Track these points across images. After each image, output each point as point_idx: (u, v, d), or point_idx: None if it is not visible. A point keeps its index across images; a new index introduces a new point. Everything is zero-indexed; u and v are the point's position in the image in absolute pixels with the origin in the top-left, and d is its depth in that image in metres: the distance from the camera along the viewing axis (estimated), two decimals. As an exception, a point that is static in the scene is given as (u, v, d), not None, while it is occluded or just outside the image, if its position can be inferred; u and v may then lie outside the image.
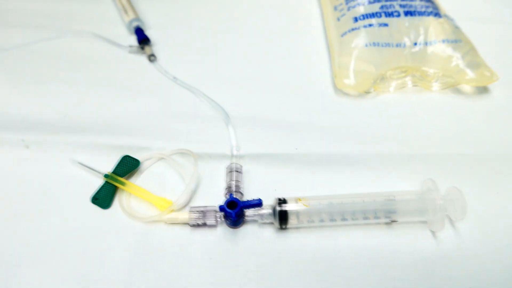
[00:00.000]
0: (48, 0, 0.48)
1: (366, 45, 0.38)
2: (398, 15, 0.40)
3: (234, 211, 0.25)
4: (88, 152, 0.31)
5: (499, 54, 0.40)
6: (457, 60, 0.37)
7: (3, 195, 0.29)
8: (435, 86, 0.38)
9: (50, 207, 0.28)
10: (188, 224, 0.27)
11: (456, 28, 0.40)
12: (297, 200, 0.27)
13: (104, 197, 0.28)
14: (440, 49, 0.38)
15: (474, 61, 0.38)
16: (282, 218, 0.26)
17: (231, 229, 0.27)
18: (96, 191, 0.28)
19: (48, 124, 0.33)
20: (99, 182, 0.29)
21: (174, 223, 0.27)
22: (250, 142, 0.32)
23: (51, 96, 0.36)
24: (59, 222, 0.27)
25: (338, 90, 0.38)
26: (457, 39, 0.39)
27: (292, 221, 0.26)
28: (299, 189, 0.29)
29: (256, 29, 0.45)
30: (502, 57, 0.41)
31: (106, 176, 0.29)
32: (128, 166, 0.30)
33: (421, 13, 0.40)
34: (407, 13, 0.40)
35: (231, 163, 0.30)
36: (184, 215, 0.27)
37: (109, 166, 0.30)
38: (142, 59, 0.41)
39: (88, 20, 0.45)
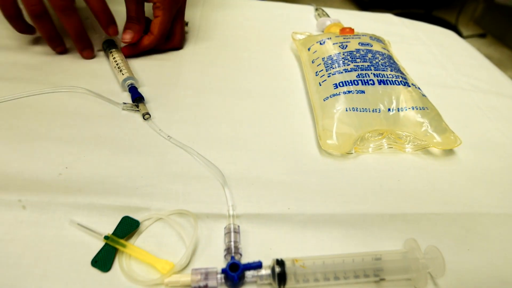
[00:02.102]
0: (40, 54, 0.49)
1: (346, 110, 0.42)
2: (373, 84, 0.45)
3: (236, 274, 0.27)
4: (86, 213, 0.31)
5: (458, 117, 0.46)
6: (426, 125, 0.42)
7: (0, 258, 0.28)
8: (408, 147, 0.42)
9: (48, 271, 0.28)
10: (189, 286, 0.28)
11: (423, 96, 0.45)
12: (294, 261, 0.29)
13: (104, 260, 0.28)
14: (410, 115, 0.43)
15: (440, 126, 0.43)
16: (281, 279, 0.28)
17: (231, 291, 0.28)
18: (96, 254, 0.29)
19: (44, 183, 0.33)
20: (98, 243, 0.29)
21: (175, 286, 0.28)
22: (245, 201, 0.34)
23: (46, 153, 0.36)
24: (59, 285, 0.27)
25: (322, 150, 0.41)
26: (424, 107, 0.44)
27: (289, 281, 0.28)
28: (293, 248, 0.31)
29: (244, 91, 0.49)
30: (461, 120, 0.47)
31: (106, 238, 0.29)
32: (128, 227, 0.30)
33: (392, 82, 0.45)
34: (380, 82, 0.45)
35: (229, 224, 0.31)
36: (186, 278, 0.27)
37: (108, 226, 0.30)
38: (136, 116, 0.42)
39: (82, 76, 0.47)
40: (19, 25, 0.46)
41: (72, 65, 0.48)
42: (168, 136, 0.40)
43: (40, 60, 0.48)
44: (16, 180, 0.33)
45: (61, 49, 0.49)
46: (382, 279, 0.30)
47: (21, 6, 0.44)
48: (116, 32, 0.47)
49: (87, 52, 0.49)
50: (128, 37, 0.48)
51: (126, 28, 0.48)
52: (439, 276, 0.30)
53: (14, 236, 0.29)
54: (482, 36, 2.27)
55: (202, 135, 0.41)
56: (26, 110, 0.41)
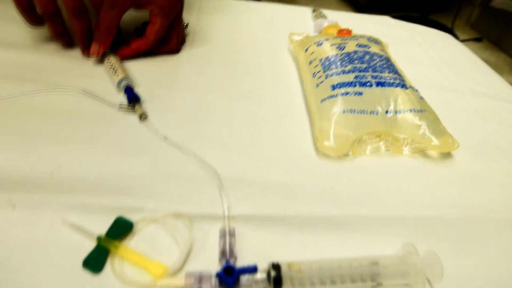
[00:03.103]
0: (33, 53, 0.49)
1: (344, 111, 0.42)
2: (371, 85, 0.44)
3: (231, 278, 0.26)
4: (78, 213, 0.31)
5: (455, 120, 0.46)
6: (423, 128, 0.42)
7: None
8: (406, 150, 0.42)
9: (38, 272, 0.27)
10: (183, 290, 0.27)
11: (421, 99, 0.45)
12: (290, 265, 0.28)
13: (96, 261, 0.28)
14: (408, 117, 0.42)
15: (438, 129, 0.42)
16: (277, 283, 0.27)
17: (225, 295, 0.28)
18: (88, 254, 0.28)
19: (35, 182, 0.32)
20: (90, 244, 0.29)
21: (168, 289, 0.27)
22: (241, 203, 0.33)
23: (38, 152, 0.36)
24: (49, 286, 0.26)
25: (319, 152, 0.40)
26: (422, 109, 0.43)
27: (285, 286, 0.27)
28: (289, 250, 0.31)
29: (242, 91, 0.48)
30: (459, 123, 0.47)
31: (98, 238, 0.29)
32: (121, 228, 0.30)
33: (390, 84, 0.45)
34: (378, 84, 0.45)
35: (224, 226, 0.30)
36: (180, 281, 0.27)
37: (100, 227, 0.30)
38: (132, 117, 0.42)
39: (76, 76, 0.46)
40: (32, 17, 0.46)
41: (67, 65, 0.48)
42: (164, 137, 0.39)
43: (35, 59, 0.48)
44: (5, 179, 0.32)
45: (68, 42, 0.49)
46: (379, 284, 0.29)
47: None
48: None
49: (88, 52, 0.48)
50: (93, 50, 0.47)
51: (93, 39, 0.47)
52: (436, 281, 0.29)
53: (3, 236, 0.29)
54: (478, 40, 2.29)
55: (198, 136, 0.40)
56: (20, 109, 0.40)
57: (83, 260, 0.28)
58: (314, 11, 0.70)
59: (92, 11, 0.46)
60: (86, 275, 0.27)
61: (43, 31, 0.51)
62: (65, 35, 0.48)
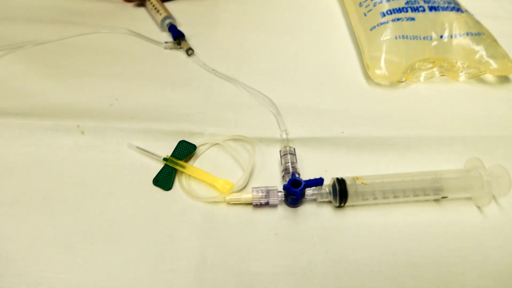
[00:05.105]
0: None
1: (396, 38, 0.40)
2: (424, 10, 0.42)
3: (299, 189, 0.27)
4: (141, 137, 0.32)
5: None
6: (481, 51, 0.40)
7: (66, 180, 0.29)
8: (462, 76, 0.40)
9: (112, 190, 0.29)
10: (250, 204, 0.28)
11: (478, 22, 0.42)
12: (355, 179, 0.28)
13: (165, 179, 0.29)
14: (464, 41, 0.40)
15: (497, 52, 0.40)
16: (342, 196, 0.27)
17: (291, 208, 0.28)
18: (157, 174, 0.29)
19: (98, 112, 0.34)
20: (156, 166, 0.30)
21: (236, 203, 0.28)
22: (297, 127, 0.33)
23: (94, 88, 0.37)
24: (124, 203, 0.28)
25: (370, 80, 0.39)
26: (480, 32, 0.41)
27: (350, 199, 0.28)
28: (348, 170, 0.31)
29: (283, 27, 0.47)
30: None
31: (165, 159, 0.30)
32: (185, 150, 0.30)
33: (444, 8, 0.42)
34: (431, 8, 0.42)
35: (285, 146, 0.31)
36: (248, 195, 0.28)
37: (164, 151, 0.31)
38: (179, 53, 0.42)
39: (120, 18, 0.46)
40: None
41: (111, 9, 0.48)
42: (213, 69, 0.39)
43: (79, 4, 0.48)
44: (72, 110, 0.33)
45: None
46: (444, 197, 0.29)
47: None
48: None
49: None
50: None
51: None
52: (503, 194, 0.29)
53: (76, 159, 0.30)
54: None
55: (246, 69, 0.40)
56: (72, 50, 0.41)
57: (153, 179, 0.29)
58: None
59: None
60: (158, 191, 0.29)
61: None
62: None
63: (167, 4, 0.49)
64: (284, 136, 0.32)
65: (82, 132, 0.31)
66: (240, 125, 0.34)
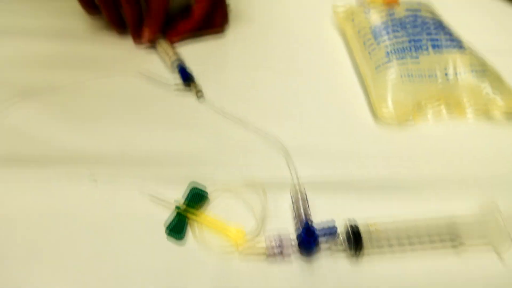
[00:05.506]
0: (90, 43, 0.50)
1: (401, 76, 0.41)
2: (427, 49, 0.43)
3: (312, 239, 0.26)
4: (153, 184, 0.32)
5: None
6: (486, 88, 0.40)
7: (79, 231, 0.29)
8: (469, 113, 0.40)
9: (124, 239, 0.29)
10: (263, 253, 0.28)
11: (481, 59, 0.43)
12: (369, 225, 0.28)
13: (177, 229, 0.29)
14: (469, 79, 0.41)
15: (502, 88, 0.40)
16: (357, 244, 0.27)
17: (304, 257, 0.28)
18: (168, 223, 0.29)
19: (110, 159, 0.34)
20: (168, 213, 0.30)
21: (249, 253, 0.28)
22: (307, 169, 0.34)
23: (107, 132, 0.37)
24: (136, 253, 0.28)
25: (378, 120, 0.40)
26: (483, 69, 0.42)
27: (365, 246, 0.27)
28: (361, 214, 0.30)
29: (289, 67, 0.48)
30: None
31: (177, 207, 0.30)
32: (197, 198, 0.31)
33: (447, 46, 0.43)
34: (434, 47, 0.43)
35: (297, 192, 0.31)
36: (261, 245, 0.27)
37: (176, 196, 0.31)
38: (188, 96, 0.42)
39: (131, 62, 0.47)
40: (90, 7, 0.48)
41: (122, 53, 0.49)
42: (223, 111, 0.40)
43: (92, 48, 0.49)
44: (85, 156, 0.34)
45: (122, 28, 0.51)
46: (460, 244, 0.29)
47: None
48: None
49: (140, 38, 0.49)
50: (145, 36, 0.48)
51: (144, 25, 0.48)
52: (520, 238, 0.29)
53: (88, 208, 0.30)
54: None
55: (255, 110, 0.41)
56: (84, 95, 0.42)
57: (165, 228, 0.29)
58: (353, -18, 0.68)
59: None
60: (169, 242, 0.29)
61: (98, 22, 0.53)
62: (119, 22, 0.50)
63: (177, 46, 0.50)
64: (295, 180, 0.32)
65: (95, 180, 0.32)
66: (251, 168, 0.34)
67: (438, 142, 0.37)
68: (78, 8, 0.48)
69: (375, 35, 0.46)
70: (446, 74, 0.41)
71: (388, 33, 0.45)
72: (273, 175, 0.33)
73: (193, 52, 0.49)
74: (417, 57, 0.42)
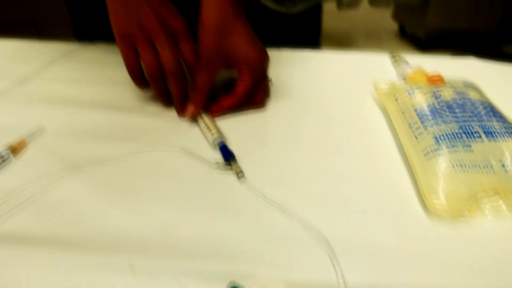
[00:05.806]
0: (137, 114, 0.52)
1: (453, 166, 0.39)
2: (480, 136, 0.41)
3: None
4: (192, 279, 0.30)
5: None
6: (550, 182, 0.37)
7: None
8: (532, 209, 0.37)
9: None
10: None
11: (541, 150, 0.40)
12: None
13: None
14: (529, 171, 0.38)
15: None
16: None
17: None
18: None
19: (150, 246, 0.33)
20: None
21: None
22: (353, 271, 0.31)
23: (149, 212, 0.37)
24: None
25: (429, 212, 0.37)
26: (545, 161, 0.39)
27: None
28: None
29: (331, 145, 0.47)
30: None
31: (217, 311, 0.28)
32: (237, 299, 0.29)
33: (502, 134, 0.41)
34: (487, 134, 0.41)
35: (343, 299, 0.28)
36: None
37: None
38: (229, 174, 0.42)
39: (174, 136, 0.49)
40: (141, 81, 0.51)
41: (167, 125, 0.51)
42: (264, 196, 0.39)
43: (138, 120, 0.51)
44: (124, 239, 0.34)
45: (168, 102, 0.53)
46: None
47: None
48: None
49: (184, 112, 0.51)
50: (189, 111, 0.50)
51: (189, 101, 0.50)
52: None
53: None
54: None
55: (296, 194, 0.39)
56: (127, 169, 0.43)
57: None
58: (393, 56, 0.69)
59: (187, 74, 0.50)
60: None
61: (147, 94, 0.55)
62: (166, 95, 0.52)
63: (218, 119, 0.51)
64: (342, 285, 0.30)
65: (133, 271, 0.31)
66: (293, 265, 0.32)
67: (499, 244, 0.34)
68: (129, 79, 0.51)
69: (422, 119, 0.45)
70: (503, 165, 0.39)
71: (435, 117, 0.44)
72: (318, 275, 0.31)
73: (234, 126, 0.50)
74: (469, 146, 0.40)
